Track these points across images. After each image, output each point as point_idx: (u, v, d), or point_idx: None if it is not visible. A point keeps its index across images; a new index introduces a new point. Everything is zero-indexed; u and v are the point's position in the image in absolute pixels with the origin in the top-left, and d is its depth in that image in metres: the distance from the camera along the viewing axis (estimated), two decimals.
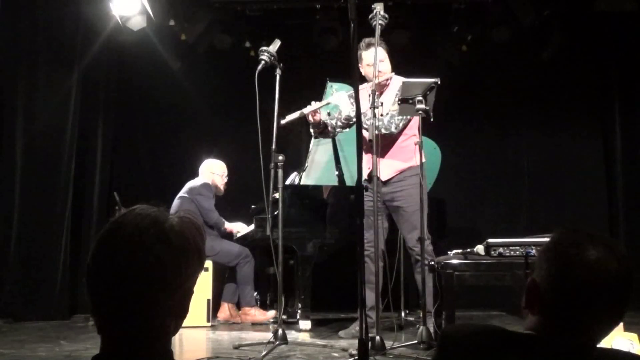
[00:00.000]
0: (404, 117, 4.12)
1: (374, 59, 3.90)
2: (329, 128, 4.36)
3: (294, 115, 4.22)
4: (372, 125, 3.79)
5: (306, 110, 4.19)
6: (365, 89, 4.04)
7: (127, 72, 6.46)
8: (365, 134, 3.89)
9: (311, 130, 4.46)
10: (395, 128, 4.16)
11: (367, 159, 3.89)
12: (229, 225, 5.51)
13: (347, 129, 4.43)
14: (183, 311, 1.16)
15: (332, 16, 6.03)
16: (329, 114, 4.41)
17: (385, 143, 4.19)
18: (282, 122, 4.16)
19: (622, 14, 5.66)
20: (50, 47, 5.52)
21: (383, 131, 4.11)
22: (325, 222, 4.86)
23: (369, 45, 4.19)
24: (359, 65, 4.18)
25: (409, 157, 4.18)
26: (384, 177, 4.22)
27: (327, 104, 4.32)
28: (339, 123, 4.35)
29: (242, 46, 6.36)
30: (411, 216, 4.15)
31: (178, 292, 1.12)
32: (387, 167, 4.23)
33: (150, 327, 1.11)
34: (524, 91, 6.62)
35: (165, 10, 5.90)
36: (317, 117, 4.24)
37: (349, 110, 4.20)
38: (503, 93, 6.65)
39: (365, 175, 3.94)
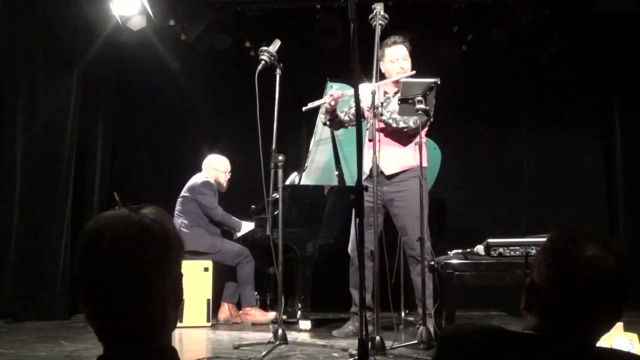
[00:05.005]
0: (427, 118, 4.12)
1: (375, 60, 3.92)
2: (337, 119, 4.37)
3: (316, 102, 4.34)
4: (372, 125, 3.79)
5: (328, 99, 4.25)
6: (383, 86, 4.16)
7: (127, 72, 6.47)
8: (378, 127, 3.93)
9: (321, 116, 4.46)
10: (414, 124, 4.13)
11: (369, 155, 3.86)
12: (246, 228, 5.44)
13: (352, 126, 4.45)
14: (178, 298, 1.19)
15: (332, 16, 6.03)
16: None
17: (393, 138, 4.19)
18: (304, 108, 4.37)
19: (622, 14, 5.66)
20: (50, 47, 5.51)
21: (401, 124, 4.13)
22: (326, 222, 4.86)
23: (394, 43, 4.24)
24: (380, 62, 4.20)
25: (414, 157, 4.16)
26: (387, 172, 4.21)
27: (350, 95, 4.31)
28: (347, 118, 4.36)
29: (242, 46, 6.36)
30: (412, 217, 4.13)
31: (169, 280, 1.15)
32: (392, 163, 4.20)
33: (151, 320, 1.14)
34: (524, 91, 6.62)
35: (165, 10, 5.90)
36: (334, 105, 4.27)
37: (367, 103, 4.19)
38: (503, 93, 6.66)
39: (366, 170, 3.94)
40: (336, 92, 4.28)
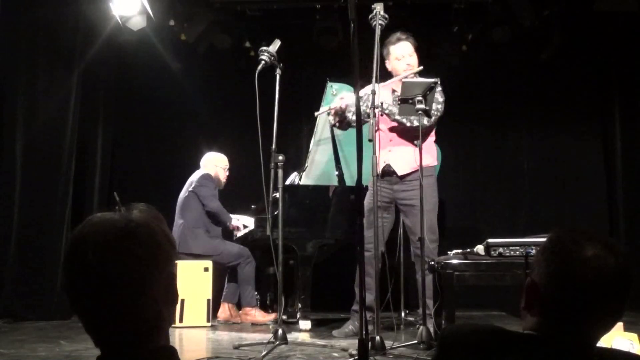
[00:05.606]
0: (439, 109, 4.11)
1: (375, 60, 3.91)
2: (346, 120, 4.36)
3: (325, 108, 4.44)
4: (372, 124, 3.79)
5: (337, 104, 4.30)
6: (391, 84, 4.16)
7: (127, 72, 6.47)
8: (382, 127, 3.97)
9: (330, 118, 4.45)
10: (427, 122, 4.11)
11: (381, 153, 3.87)
12: (235, 222, 5.48)
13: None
14: (173, 298, 1.17)
15: (332, 16, 6.03)
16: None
17: (406, 138, 4.18)
18: (316, 113, 4.52)
19: (622, 14, 5.66)
20: (50, 47, 5.51)
21: (415, 123, 4.10)
22: (326, 222, 4.86)
23: (398, 40, 4.23)
24: (386, 60, 4.24)
25: (426, 157, 4.14)
26: (400, 172, 4.22)
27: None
28: (354, 117, 4.34)
29: (242, 46, 6.37)
30: (424, 215, 4.11)
31: (160, 281, 1.13)
32: (405, 163, 4.20)
33: (147, 323, 1.12)
34: (524, 91, 6.62)
35: (165, 10, 5.90)
36: (343, 106, 4.29)
37: (384, 101, 4.18)
38: (503, 93, 6.66)
39: (379, 170, 3.93)
40: (348, 95, 4.31)
